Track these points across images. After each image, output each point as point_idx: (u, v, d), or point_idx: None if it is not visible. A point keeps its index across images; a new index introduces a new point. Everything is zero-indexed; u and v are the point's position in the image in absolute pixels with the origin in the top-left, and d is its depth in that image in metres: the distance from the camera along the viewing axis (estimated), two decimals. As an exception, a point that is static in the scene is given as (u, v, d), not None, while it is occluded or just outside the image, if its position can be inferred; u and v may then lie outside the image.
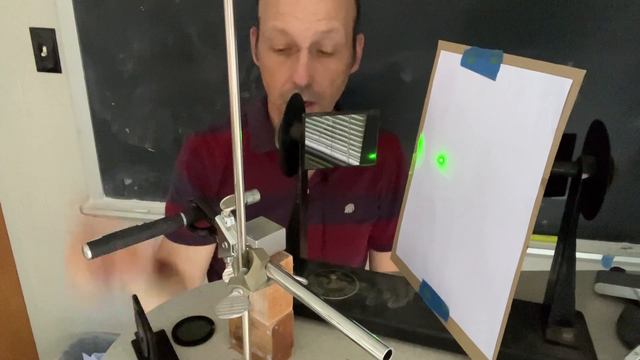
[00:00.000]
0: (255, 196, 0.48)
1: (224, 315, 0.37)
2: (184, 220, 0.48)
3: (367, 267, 1.05)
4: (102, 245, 0.41)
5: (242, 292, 0.39)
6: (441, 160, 0.59)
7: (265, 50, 0.77)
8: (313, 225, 0.88)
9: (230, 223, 0.44)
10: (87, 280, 0.67)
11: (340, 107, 0.89)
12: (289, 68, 0.75)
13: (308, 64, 0.73)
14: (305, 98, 0.76)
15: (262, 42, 0.77)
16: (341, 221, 0.90)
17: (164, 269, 0.88)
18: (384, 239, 0.98)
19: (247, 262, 0.41)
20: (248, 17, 0.80)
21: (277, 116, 0.87)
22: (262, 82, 0.85)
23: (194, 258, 0.92)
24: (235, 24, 0.32)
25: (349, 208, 0.90)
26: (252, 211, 0.50)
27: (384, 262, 1.01)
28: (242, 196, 0.38)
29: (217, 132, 0.89)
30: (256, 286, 0.40)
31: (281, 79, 0.77)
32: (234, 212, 0.41)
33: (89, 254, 0.40)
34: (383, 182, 0.93)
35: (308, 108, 0.78)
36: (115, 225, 0.50)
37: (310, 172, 0.87)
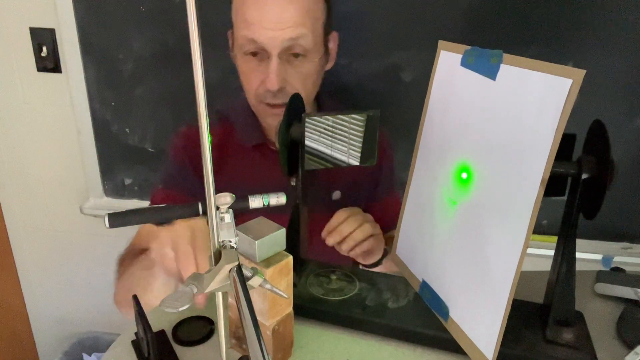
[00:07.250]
0: (280, 199, 0.48)
1: (163, 306, 0.36)
2: (200, 208, 0.48)
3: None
4: (120, 218, 0.44)
5: (195, 290, 0.38)
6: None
7: (239, 55, 0.80)
8: None
9: (227, 219, 0.43)
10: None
11: (321, 104, 0.91)
12: (261, 73, 0.78)
13: (279, 70, 0.76)
14: (278, 101, 0.79)
15: (236, 46, 0.81)
16: (329, 208, 0.91)
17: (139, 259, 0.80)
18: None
19: (218, 262, 0.40)
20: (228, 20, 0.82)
21: (258, 112, 0.88)
22: None
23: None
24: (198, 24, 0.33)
25: (336, 195, 0.91)
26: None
27: None
28: (213, 197, 0.38)
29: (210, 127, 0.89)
30: (213, 287, 0.38)
31: (255, 83, 0.80)
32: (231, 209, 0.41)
33: (107, 223, 0.43)
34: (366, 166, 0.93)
35: (280, 110, 0.79)
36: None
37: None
